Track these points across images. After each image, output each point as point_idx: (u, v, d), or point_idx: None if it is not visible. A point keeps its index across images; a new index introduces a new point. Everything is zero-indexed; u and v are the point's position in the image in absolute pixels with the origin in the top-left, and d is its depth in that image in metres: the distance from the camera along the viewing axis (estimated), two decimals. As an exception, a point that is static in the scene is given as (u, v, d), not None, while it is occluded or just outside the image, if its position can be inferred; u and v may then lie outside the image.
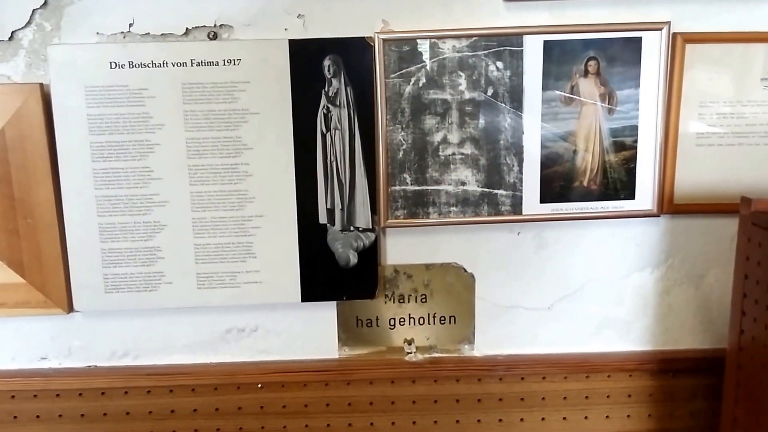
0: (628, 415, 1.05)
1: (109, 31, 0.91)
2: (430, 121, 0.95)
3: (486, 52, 0.92)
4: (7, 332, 1.00)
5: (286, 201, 0.95)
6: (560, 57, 0.92)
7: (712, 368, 0.99)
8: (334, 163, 0.95)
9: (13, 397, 1.00)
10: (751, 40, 0.94)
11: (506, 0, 0.92)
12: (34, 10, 0.90)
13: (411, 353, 1.04)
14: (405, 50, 0.92)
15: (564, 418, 1.05)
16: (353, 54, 0.92)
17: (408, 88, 0.93)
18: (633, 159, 0.96)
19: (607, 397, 1.04)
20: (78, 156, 0.92)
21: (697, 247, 1.02)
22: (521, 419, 1.05)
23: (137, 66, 0.90)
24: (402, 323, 1.03)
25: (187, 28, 0.92)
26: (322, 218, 0.96)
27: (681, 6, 0.93)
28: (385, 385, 1.03)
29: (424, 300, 1.03)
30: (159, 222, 0.95)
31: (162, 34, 0.92)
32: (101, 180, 0.93)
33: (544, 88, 0.93)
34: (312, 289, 0.98)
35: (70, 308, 0.97)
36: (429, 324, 1.03)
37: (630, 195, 0.98)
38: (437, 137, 0.95)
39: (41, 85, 0.90)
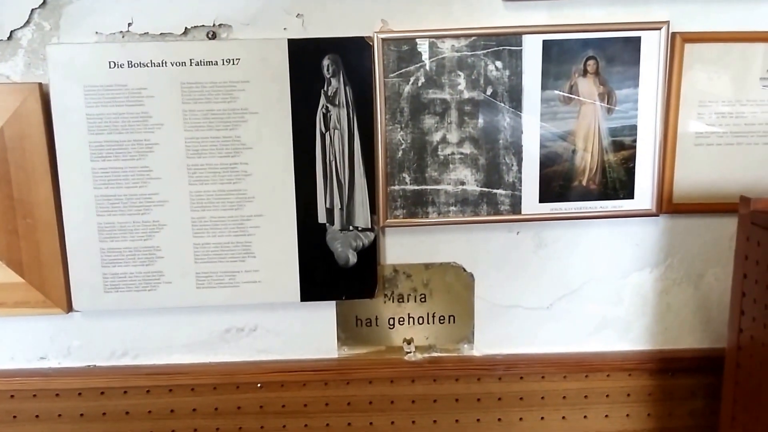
0: (628, 415, 1.05)
1: (108, 31, 0.91)
2: (429, 121, 0.95)
3: (485, 51, 0.92)
4: (6, 332, 1.00)
5: (285, 200, 0.95)
6: (559, 56, 0.92)
7: (711, 367, 0.99)
8: (334, 162, 0.95)
9: (12, 396, 1.00)
10: (750, 40, 0.94)
11: (505, 0, 0.92)
12: (33, 10, 0.90)
13: (410, 353, 1.04)
14: (404, 50, 0.92)
15: (563, 418, 1.05)
16: (352, 54, 0.92)
17: (407, 88, 0.93)
18: (632, 158, 0.96)
19: (607, 396, 1.04)
20: (77, 155, 0.92)
21: (696, 247, 1.02)
22: (520, 418, 1.05)
23: (136, 65, 0.90)
24: (401, 323, 1.03)
25: (186, 28, 0.92)
26: (322, 218, 0.96)
27: (680, 6, 0.93)
28: (385, 384, 1.03)
29: (423, 299, 1.03)
30: (158, 221, 0.95)
31: (161, 34, 0.92)
32: (100, 179, 0.93)
33: (543, 87, 0.93)
34: (311, 289, 0.98)
35: (70, 308, 0.97)
36: (428, 323, 1.03)
37: (629, 194, 0.98)
38: (436, 137, 0.95)
39: (40, 84, 0.90)
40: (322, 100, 0.93)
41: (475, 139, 0.95)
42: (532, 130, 0.95)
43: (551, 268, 1.02)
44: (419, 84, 0.93)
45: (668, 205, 0.98)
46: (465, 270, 1.02)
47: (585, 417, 1.05)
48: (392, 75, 0.93)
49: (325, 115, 0.94)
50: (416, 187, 0.97)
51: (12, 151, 0.92)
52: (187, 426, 1.03)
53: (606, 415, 1.05)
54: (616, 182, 0.97)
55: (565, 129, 0.95)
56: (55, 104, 0.90)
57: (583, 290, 1.03)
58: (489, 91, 0.94)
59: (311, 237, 0.96)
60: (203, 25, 0.92)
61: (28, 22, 0.91)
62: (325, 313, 1.02)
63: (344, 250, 0.97)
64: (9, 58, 0.92)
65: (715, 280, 1.03)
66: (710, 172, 0.98)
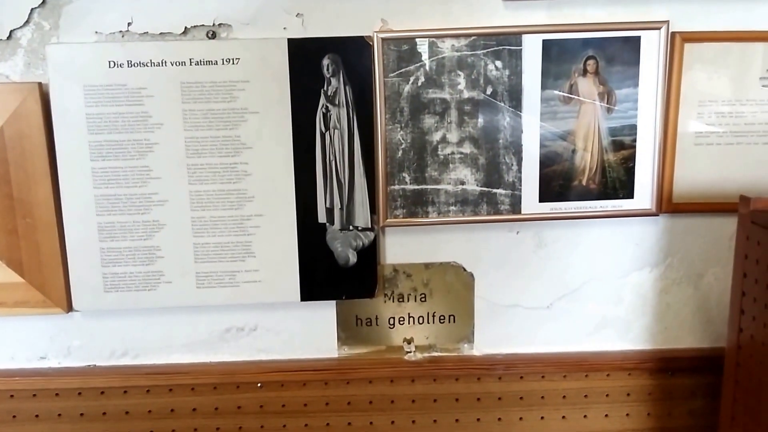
0: (627, 414, 1.05)
1: (108, 30, 0.91)
2: (429, 121, 0.95)
3: (485, 51, 0.92)
4: (6, 332, 1.00)
5: (285, 200, 0.95)
6: (559, 56, 0.92)
7: (710, 367, 0.99)
8: (333, 162, 0.95)
9: (12, 396, 1.00)
10: (750, 39, 0.94)
11: (505, 0, 0.92)
12: (32, 9, 0.90)
13: (410, 352, 1.04)
14: (404, 49, 0.92)
15: (563, 417, 1.05)
16: (352, 53, 0.92)
17: (407, 88, 0.93)
18: (632, 158, 0.96)
19: (606, 396, 1.04)
20: (77, 155, 0.92)
21: (695, 246, 1.02)
22: (520, 418, 1.05)
23: (136, 65, 0.90)
24: (401, 322, 1.03)
25: (185, 27, 0.92)
26: (322, 217, 0.96)
27: (680, 5, 0.93)
28: (385, 384, 1.03)
29: (423, 299, 1.03)
30: (158, 221, 0.95)
31: (161, 33, 0.92)
32: (100, 179, 0.93)
33: (543, 87, 0.93)
34: (311, 289, 0.98)
35: (70, 307, 0.97)
36: (428, 323, 1.04)
37: (629, 194, 0.98)
38: (436, 136, 0.95)
39: (40, 84, 0.90)
40: (322, 100, 0.93)
41: (475, 139, 0.95)
42: (532, 130, 0.95)
43: (551, 268, 1.02)
44: (419, 84, 0.93)
45: (668, 204, 0.98)
46: (465, 270, 1.02)
47: (585, 416, 1.05)
48: (392, 74, 0.93)
49: (325, 115, 0.94)
50: (416, 187, 0.97)
51: (12, 151, 0.91)
52: (187, 426, 1.03)
53: (606, 415, 1.05)
54: (615, 182, 0.97)
55: (564, 129, 0.95)
56: (54, 104, 0.90)
57: (583, 290, 1.03)
58: (489, 90, 0.94)
59: (311, 237, 0.96)
60: (203, 25, 0.92)
61: (27, 22, 0.91)
62: (325, 312, 1.02)
63: (344, 249, 0.97)
64: (8, 58, 0.92)
65: (715, 279, 1.03)
66: (710, 172, 0.98)
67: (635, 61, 0.93)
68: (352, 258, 0.98)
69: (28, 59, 0.92)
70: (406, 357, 1.04)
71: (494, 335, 1.04)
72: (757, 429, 0.82)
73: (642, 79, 0.94)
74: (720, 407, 0.91)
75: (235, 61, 0.91)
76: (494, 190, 0.97)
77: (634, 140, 0.96)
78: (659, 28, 0.92)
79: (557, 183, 0.97)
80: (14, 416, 1.01)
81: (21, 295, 0.96)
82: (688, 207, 0.99)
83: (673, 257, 1.02)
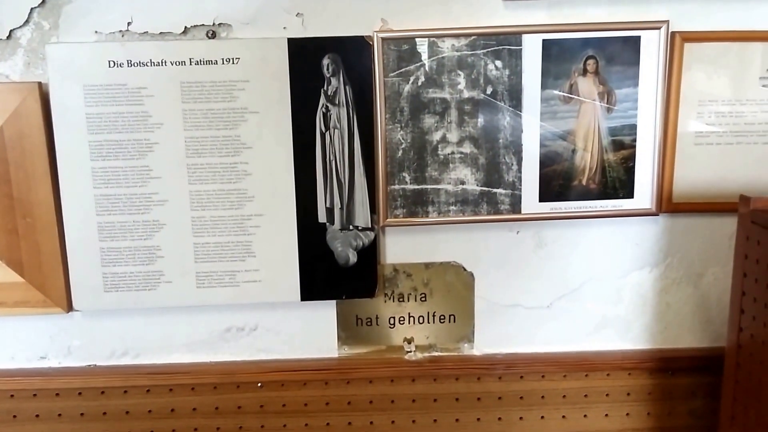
0: (627, 414, 1.05)
1: (108, 30, 0.91)
2: (429, 120, 0.95)
3: (485, 51, 0.92)
4: (6, 331, 1.00)
5: (285, 200, 0.95)
6: (559, 56, 0.93)
7: (710, 366, 0.99)
8: (334, 162, 0.95)
9: (12, 396, 1.00)
10: (750, 39, 0.94)
11: (505, -1, 0.92)
12: (32, 9, 0.90)
13: (410, 352, 1.04)
14: (404, 49, 0.92)
15: (563, 417, 1.05)
16: (352, 53, 0.92)
17: (407, 87, 0.93)
18: (632, 158, 0.96)
19: (606, 395, 1.04)
20: (77, 155, 0.92)
21: (695, 246, 1.02)
22: (520, 418, 1.05)
23: (136, 65, 0.90)
24: (401, 322, 1.03)
25: (185, 27, 0.91)
26: (322, 217, 0.96)
27: (679, 5, 0.93)
28: (385, 383, 1.03)
29: (423, 299, 1.03)
30: (158, 221, 0.95)
31: (160, 33, 0.91)
32: (100, 179, 0.93)
33: (543, 87, 0.93)
34: (311, 288, 0.98)
35: (70, 307, 0.97)
36: (428, 323, 1.04)
37: (629, 194, 0.98)
38: (436, 136, 0.95)
39: (39, 84, 0.90)
40: (322, 100, 0.93)
41: (475, 139, 0.95)
42: (532, 130, 0.95)
43: (551, 268, 1.02)
44: (419, 83, 0.93)
45: (668, 204, 0.98)
46: (465, 269, 1.02)
47: (585, 416, 1.05)
48: (392, 74, 0.93)
49: (325, 115, 0.94)
50: (416, 187, 0.97)
51: (12, 151, 0.91)
52: (188, 425, 1.03)
53: (606, 414, 1.05)
54: (615, 181, 0.97)
55: (564, 128, 0.95)
56: (54, 104, 0.90)
57: (582, 289, 1.03)
58: (489, 90, 0.94)
59: (311, 236, 0.96)
60: (203, 25, 0.92)
61: (27, 22, 0.90)
62: (326, 312, 1.02)
63: (344, 249, 0.97)
64: (8, 58, 0.92)
65: (715, 279, 1.03)
66: (710, 172, 0.98)
67: (635, 61, 0.93)
68: (353, 258, 0.98)
69: (27, 59, 0.92)
70: (406, 357, 1.04)
71: (494, 335, 1.04)
72: (757, 428, 0.82)
73: (642, 79, 0.94)
74: (720, 407, 0.91)
75: (235, 61, 0.91)
76: (494, 190, 0.97)
77: (634, 140, 0.96)
78: (659, 28, 0.92)
79: (557, 183, 0.97)
80: (14, 416, 1.01)
81: (21, 295, 0.95)
82: (688, 207, 0.99)
83: (673, 257, 1.03)
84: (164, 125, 0.92)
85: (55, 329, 1.01)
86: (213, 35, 0.92)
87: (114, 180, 0.93)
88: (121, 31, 0.91)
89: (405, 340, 1.04)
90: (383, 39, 0.91)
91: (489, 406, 1.04)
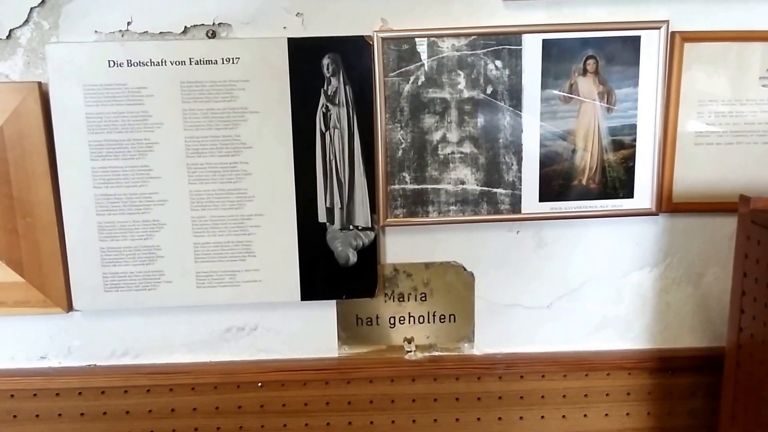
0: (627, 413, 1.05)
1: (108, 30, 0.91)
2: (429, 120, 0.95)
3: (485, 50, 0.92)
4: (6, 331, 1.00)
5: (285, 200, 0.95)
6: (559, 56, 0.93)
7: (710, 366, 0.99)
8: (334, 161, 0.95)
9: (12, 396, 1.00)
10: (750, 39, 0.94)
11: (505, -1, 0.92)
12: (32, 9, 0.90)
13: (411, 352, 1.04)
14: (404, 49, 0.92)
15: (563, 417, 1.05)
16: (352, 52, 0.92)
17: (407, 87, 0.93)
18: (632, 158, 0.96)
19: (607, 395, 1.04)
20: (77, 155, 0.92)
21: (695, 246, 1.02)
22: (520, 417, 1.05)
23: (136, 64, 0.90)
24: (402, 322, 1.03)
25: (185, 27, 0.91)
26: (322, 217, 0.96)
27: (679, 5, 0.93)
28: (385, 383, 1.03)
29: (423, 299, 1.03)
30: (158, 221, 0.95)
31: (160, 33, 0.91)
32: (100, 179, 0.93)
33: (543, 86, 0.93)
34: (311, 288, 0.98)
35: (70, 307, 0.97)
36: (429, 322, 1.04)
37: (629, 194, 0.98)
38: (436, 136, 0.95)
39: (39, 83, 0.90)
40: (322, 99, 0.93)
41: (475, 139, 0.95)
42: (532, 130, 0.95)
43: (551, 267, 1.02)
44: (419, 83, 0.93)
45: (668, 204, 0.98)
46: (465, 269, 1.02)
47: (585, 416, 1.05)
48: (392, 74, 0.93)
49: (325, 114, 0.94)
50: (416, 187, 0.97)
51: (11, 151, 0.91)
52: (188, 425, 1.03)
53: (606, 414, 1.05)
54: (615, 181, 0.97)
55: (564, 128, 0.95)
56: (54, 103, 0.90)
57: (583, 289, 1.03)
58: (489, 90, 0.94)
59: (311, 236, 0.96)
60: (203, 24, 0.92)
61: (27, 21, 0.90)
62: (326, 312, 1.02)
63: (344, 249, 0.97)
64: (8, 57, 0.91)
65: (715, 279, 1.03)
66: (710, 172, 0.98)
67: (635, 61, 0.93)
68: (353, 257, 0.98)
69: (27, 58, 0.92)
70: (406, 356, 1.04)
71: (494, 335, 1.04)
72: (757, 428, 0.82)
73: (642, 79, 0.94)
74: (720, 407, 0.91)
75: (235, 61, 0.91)
76: (494, 190, 0.97)
77: (634, 140, 0.96)
78: (659, 28, 0.92)
79: (557, 183, 0.97)
80: (15, 416, 1.01)
81: (21, 295, 0.95)
82: (688, 206, 0.99)
83: (673, 257, 1.03)
84: (164, 125, 0.92)
85: (55, 329, 1.01)
86: (213, 35, 0.92)
87: (114, 180, 0.93)
88: (120, 30, 0.91)
89: (405, 339, 1.04)
90: (383, 39, 0.91)
91: (489, 405, 1.04)
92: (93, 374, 1.01)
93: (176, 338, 1.02)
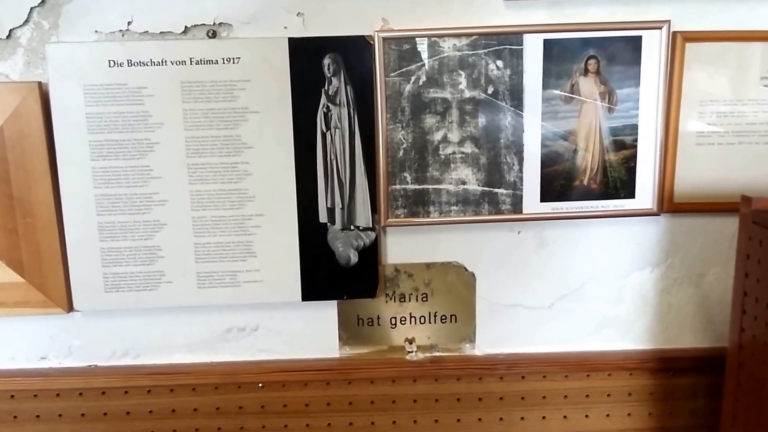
0: (629, 414, 1.05)
1: (108, 30, 0.91)
2: (430, 120, 0.94)
3: (486, 50, 0.92)
4: (6, 332, 1.00)
5: (286, 200, 0.95)
6: (560, 56, 0.92)
7: (712, 367, 0.99)
8: (335, 161, 0.95)
9: (12, 396, 1.00)
10: (751, 39, 0.94)
11: (506, -2, 0.92)
12: (32, 8, 0.90)
13: (412, 352, 1.04)
14: (405, 49, 0.92)
15: (564, 417, 1.05)
16: (353, 52, 0.92)
17: (408, 87, 0.93)
18: (633, 158, 0.96)
19: (608, 395, 1.04)
20: (77, 155, 0.92)
21: (697, 246, 1.02)
22: (522, 418, 1.05)
23: (136, 64, 0.90)
24: (403, 322, 1.03)
25: (186, 27, 0.91)
26: (323, 217, 0.96)
27: (681, 5, 0.93)
28: (386, 384, 1.03)
29: (425, 299, 1.03)
30: (159, 221, 0.94)
31: (161, 33, 0.91)
32: (100, 179, 0.93)
33: (544, 86, 0.93)
34: (312, 289, 0.98)
35: (70, 307, 0.97)
36: (430, 323, 1.03)
37: (630, 194, 0.98)
38: (437, 136, 0.95)
39: (39, 83, 0.90)
40: (323, 99, 0.93)
41: (476, 139, 0.95)
42: (533, 130, 0.95)
43: (552, 268, 1.02)
44: (420, 83, 0.93)
45: (669, 204, 0.98)
46: (466, 269, 1.02)
47: (586, 416, 1.05)
48: (393, 74, 0.93)
49: (326, 114, 0.93)
50: (417, 187, 0.96)
51: (11, 150, 0.91)
52: (189, 426, 1.03)
53: (607, 415, 1.05)
54: (617, 182, 0.97)
55: (566, 128, 0.95)
56: (54, 103, 0.90)
57: (584, 289, 1.03)
58: (490, 90, 0.93)
59: (312, 236, 0.96)
60: (203, 24, 0.92)
61: (27, 21, 0.90)
62: (327, 312, 1.02)
63: (345, 249, 0.97)
64: (8, 57, 0.91)
65: (716, 279, 1.03)
66: (711, 172, 0.98)
67: (636, 61, 0.93)
68: (354, 258, 0.98)
69: (27, 58, 0.91)
70: (407, 357, 1.04)
71: (496, 335, 1.04)
72: (758, 429, 0.82)
73: (643, 79, 0.94)
74: (721, 407, 0.91)
75: (235, 61, 0.91)
76: (495, 190, 0.97)
77: (636, 140, 0.96)
78: (660, 28, 0.92)
79: (558, 183, 0.97)
80: (15, 416, 1.01)
81: (21, 295, 0.95)
82: (690, 207, 0.99)
83: (675, 257, 1.02)
84: (165, 125, 0.92)
85: (56, 329, 1.01)
86: (213, 35, 0.92)
87: (114, 180, 0.93)
88: (121, 30, 0.91)
89: (406, 340, 1.04)
90: (384, 39, 0.91)
91: (490, 406, 1.04)
92: (93, 375, 1.01)
93: (177, 339, 1.02)
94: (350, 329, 1.03)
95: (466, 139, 0.95)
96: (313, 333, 1.03)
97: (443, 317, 1.03)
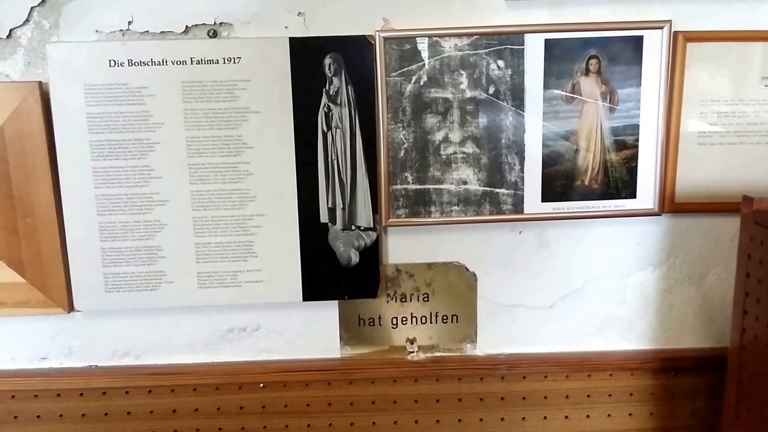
0: (630, 414, 1.05)
1: (108, 29, 0.91)
2: (431, 120, 0.94)
3: (487, 50, 0.92)
4: (7, 332, 1.00)
5: (287, 200, 0.95)
6: (561, 55, 0.92)
7: (713, 367, 0.99)
8: (335, 161, 0.95)
9: (13, 397, 1.00)
10: (752, 39, 0.94)
11: (508, -2, 0.92)
12: (32, 8, 0.90)
13: (413, 352, 1.04)
14: (406, 48, 0.92)
15: (566, 417, 1.05)
16: (354, 52, 0.91)
17: (409, 87, 0.93)
18: (634, 158, 0.96)
19: (609, 395, 1.04)
20: (77, 154, 0.91)
21: (698, 246, 1.02)
22: (523, 418, 1.05)
23: (137, 64, 0.90)
24: (404, 322, 1.03)
25: (186, 26, 0.91)
26: (324, 217, 0.96)
27: (682, 4, 0.93)
28: (387, 384, 1.03)
29: (426, 299, 1.02)
30: (159, 221, 0.94)
31: (161, 32, 0.91)
32: (101, 179, 0.92)
33: (546, 86, 0.93)
34: (313, 289, 0.98)
35: (71, 308, 0.97)
36: (431, 323, 1.03)
37: (631, 194, 0.97)
38: (438, 136, 0.95)
39: (40, 83, 0.90)
40: (324, 99, 0.93)
41: (478, 139, 0.95)
42: (535, 130, 0.95)
43: (553, 268, 1.02)
44: (421, 83, 0.93)
45: (670, 204, 0.98)
46: (467, 269, 1.02)
47: (588, 416, 1.05)
48: (394, 74, 0.92)
49: (326, 114, 0.93)
50: (418, 187, 0.96)
51: (12, 150, 0.91)
52: (190, 426, 1.03)
53: (608, 415, 1.05)
54: (618, 182, 0.97)
55: (567, 128, 0.95)
56: (55, 103, 0.90)
57: (585, 290, 1.03)
58: (491, 90, 0.93)
59: (313, 236, 0.96)
60: (204, 24, 0.91)
61: (27, 21, 0.90)
62: (328, 312, 1.02)
63: (346, 249, 0.97)
64: (8, 57, 0.91)
65: (718, 279, 1.03)
66: (713, 172, 0.98)
67: (638, 61, 0.93)
68: (355, 258, 0.97)
69: (28, 58, 0.91)
70: (408, 357, 1.04)
71: (497, 335, 1.04)
72: (760, 429, 0.82)
73: (644, 79, 0.94)
74: (723, 407, 0.91)
75: (236, 60, 0.90)
76: (497, 190, 0.97)
77: (637, 140, 0.96)
78: (662, 28, 0.92)
79: (560, 183, 0.96)
80: (15, 417, 1.01)
81: (22, 295, 0.95)
82: (691, 207, 0.99)
83: (676, 257, 1.02)
84: (165, 125, 0.92)
85: (56, 330, 1.00)
86: (214, 34, 0.92)
87: (115, 180, 0.93)
88: (121, 30, 0.91)
89: (407, 340, 1.04)
90: (385, 38, 0.91)
91: (492, 406, 1.04)
92: (94, 375, 1.00)
93: (178, 339, 1.02)
94: (351, 329, 1.03)
95: (467, 139, 0.95)
96: (314, 333, 1.02)
97: (444, 317, 1.03)
